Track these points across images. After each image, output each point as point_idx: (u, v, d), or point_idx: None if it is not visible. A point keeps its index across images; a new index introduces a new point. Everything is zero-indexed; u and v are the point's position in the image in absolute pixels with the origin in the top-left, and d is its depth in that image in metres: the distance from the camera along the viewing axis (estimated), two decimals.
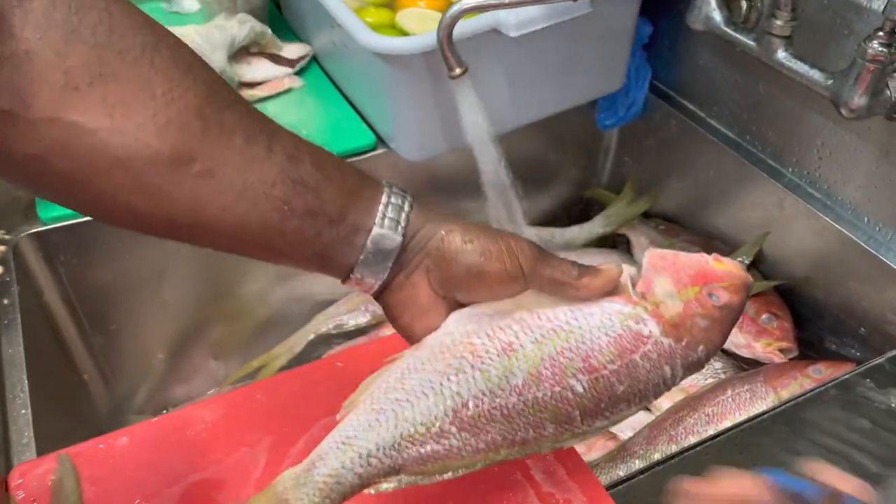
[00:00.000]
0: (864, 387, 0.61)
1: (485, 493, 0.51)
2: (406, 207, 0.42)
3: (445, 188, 0.94)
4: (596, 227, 1.01)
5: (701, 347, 0.43)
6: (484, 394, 0.41)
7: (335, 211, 0.40)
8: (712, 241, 0.90)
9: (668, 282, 0.44)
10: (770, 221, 0.82)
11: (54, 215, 0.73)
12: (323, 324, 0.91)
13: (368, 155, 0.86)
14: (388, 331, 0.85)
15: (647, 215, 0.98)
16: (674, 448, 0.69)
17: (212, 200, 0.38)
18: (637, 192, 1.00)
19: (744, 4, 0.76)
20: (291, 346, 0.87)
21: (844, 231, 0.74)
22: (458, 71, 0.68)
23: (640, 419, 0.79)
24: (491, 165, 0.79)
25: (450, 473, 0.42)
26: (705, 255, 0.45)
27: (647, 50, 0.93)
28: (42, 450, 0.56)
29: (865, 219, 0.74)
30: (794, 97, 0.77)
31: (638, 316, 0.43)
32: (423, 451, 0.41)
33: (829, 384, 0.61)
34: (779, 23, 0.68)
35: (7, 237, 0.71)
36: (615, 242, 1.00)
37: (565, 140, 1.00)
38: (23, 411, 0.56)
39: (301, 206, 0.39)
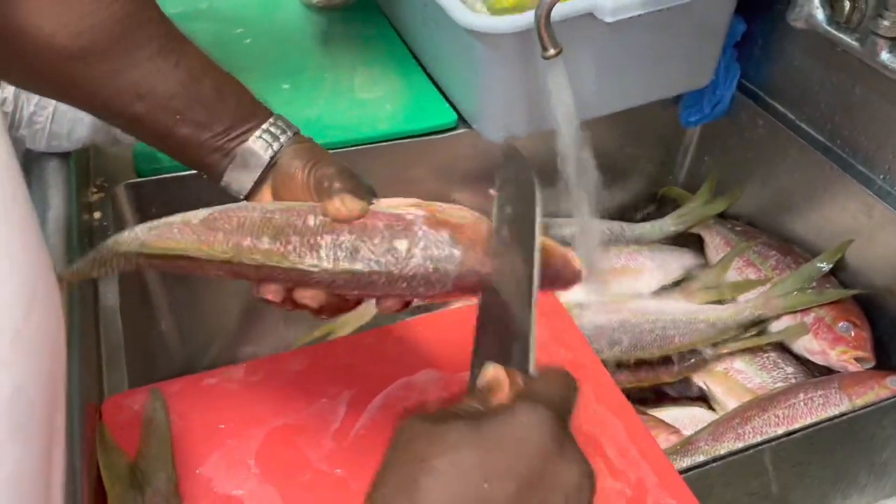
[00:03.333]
0: None
1: None
2: (282, 138, 0.48)
3: None
4: (668, 224, 1.00)
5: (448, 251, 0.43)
6: (233, 210, 0.45)
7: (222, 127, 0.48)
8: (790, 246, 0.88)
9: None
10: (856, 229, 0.80)
11: (150, 168, 0.76)
12: None
13: (449, 133, 0.87)
14: (456, 305, 0.86)
15: (723, 216, 0.97)
16: (740, 446, 0.68)
17: (111, 97, 0.46)
18: (715, 193, 0.99)
19: (847, 4, 0.74)
20: (361, 314, 0.88)
21: None
22: (552, 51, 0.68)
23: (704, 416, 0.79)
24: (573, 151, 0.79)
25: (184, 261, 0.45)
26: None
27: (738, 48, 0.91)
28: (131, 385, 0.58)
29: None
30: (892, 101, 0.75)
31: (416, 212, 0.44)
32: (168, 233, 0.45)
33: None
34: (886, 23, 0.66)
35: (106, 185, 0.75)
36: (686, 241, 0.99)
37: (645, 133, 0.99)
38: (116, 347, 0.59)
39: (192, 118, 0.47)
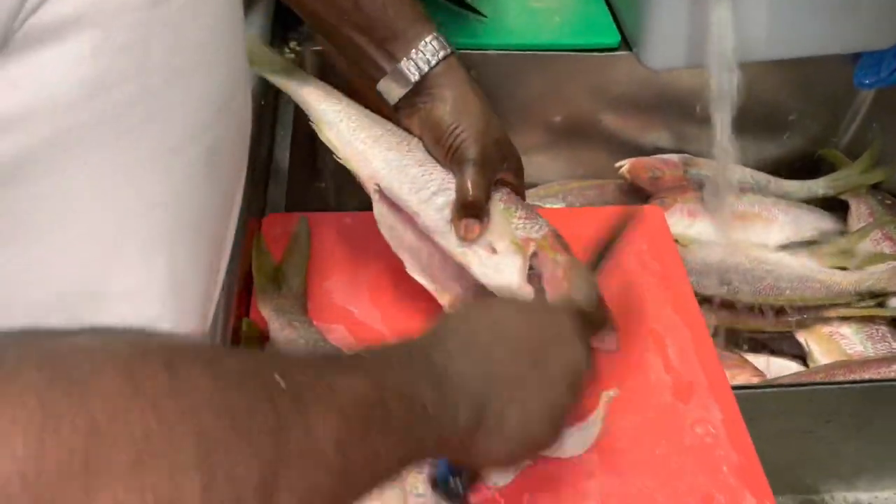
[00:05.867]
0: None
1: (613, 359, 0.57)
2: (432, 61, 0.54)
3: (671, 105, 0.95)
4: (818, 186, 0.97)
5: None
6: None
7: (379, 36, 0.54)
8: None
9: None
10: None
11: None
12: None
13: (608, 54, 0.90)
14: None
15: (875, 186, 0.94)
16: None
17: None
18: (876, 162, 0.95)
19: None
20: None
21: None
22: None
23: (790, 368, 0.80)
24: (724, 91, 0.80)
25: None
26: None
27: None
28: (287, 210, 0.70)
29: None
30: None
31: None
32: None
33: None
34: None
35: (298, 48, 0.86)
36: (829, 204, 0.97)
37: (813, 89, 0.96)
38: (283, 174, 0.71)
39: (354, 21, 0.54)
